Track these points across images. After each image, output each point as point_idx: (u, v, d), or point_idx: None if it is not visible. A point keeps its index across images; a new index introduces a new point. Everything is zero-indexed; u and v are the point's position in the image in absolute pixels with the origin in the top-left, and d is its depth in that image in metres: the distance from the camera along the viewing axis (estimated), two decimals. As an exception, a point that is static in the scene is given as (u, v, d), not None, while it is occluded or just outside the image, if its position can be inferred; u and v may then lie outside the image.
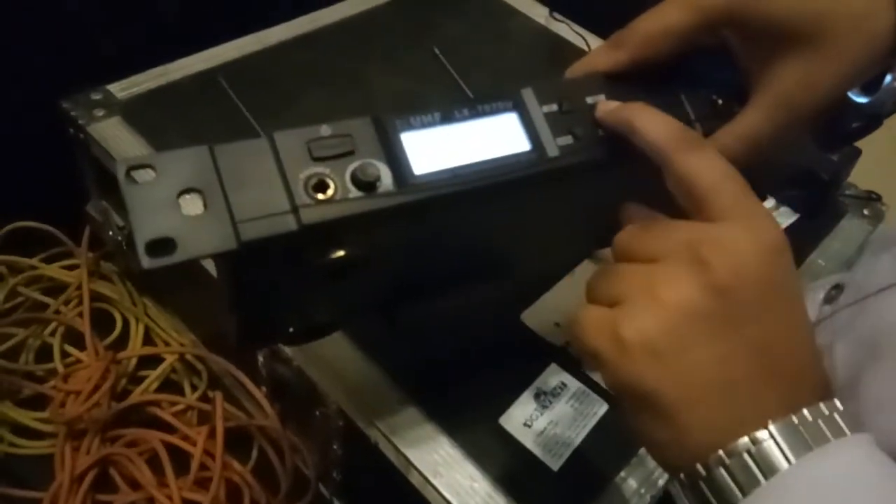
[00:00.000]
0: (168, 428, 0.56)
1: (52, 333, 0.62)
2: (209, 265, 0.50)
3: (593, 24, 0.73)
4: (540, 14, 0.75)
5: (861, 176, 0.65)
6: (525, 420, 0.45)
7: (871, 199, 0.65)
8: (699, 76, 0.37)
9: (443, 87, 0.63)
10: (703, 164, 0.29)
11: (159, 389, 0.60)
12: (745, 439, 0.26)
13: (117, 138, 0.57)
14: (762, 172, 0.36)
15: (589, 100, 0.35)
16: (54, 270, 0.65)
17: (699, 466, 0.27)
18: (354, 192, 0.30)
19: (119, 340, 0.63)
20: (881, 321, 0.38)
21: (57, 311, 0.63)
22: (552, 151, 0.33)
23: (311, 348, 0.47)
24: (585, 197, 0.37)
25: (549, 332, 0.50)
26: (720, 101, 0.37)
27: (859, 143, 0.58)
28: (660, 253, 0.29)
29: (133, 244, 0.26)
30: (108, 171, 0.58)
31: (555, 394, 0.46)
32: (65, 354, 0.61)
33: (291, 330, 0.39)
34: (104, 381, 0.57)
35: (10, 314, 0.62)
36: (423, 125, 0.32)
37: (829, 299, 0.45)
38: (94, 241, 0.65)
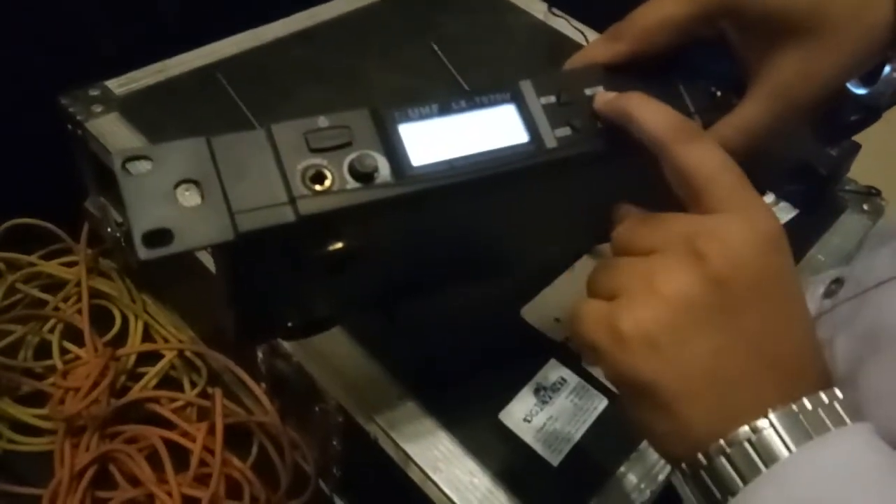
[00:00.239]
0: (167, 424, 0.56)
1: (51, 330, 0.62)
2: (208, 261, 0.50)
3: (592, 19, 0.72)
4: (538, 9, 0.75)
5: (860, 171, 0.65)
6: (525, 415, 0.45)
7: (871, 194, 0.65)
8: (698, 68, 0.37)
9: (441, 83, 0.63)
10: (701, 154, 0.29)
11: (158, 386, 0.60)
12: (746, 428, 0.27)
13: (115, 134, 0.57)
14: (761, 165, 0.36)
15: (587, 91, 0.35)
16: (53, 267, 0.65)
17: (700, 456, 0.27)
18: (352, 184, 0.30)
19: (118, 337, 0.63)
20: (881, 315, 0.38)
21: (56, 308, 0.63)
22: (550, 143, 0.33)
23: (310, 344, 0.47)
24: (584, 190, 0.37)
25: (548, 328, 0.50)
26: (719, 93, 0.37)
27: (858, 139, 0.58)
28: (657, 245, 0.29)
29: (130, 236, 0.26)
30: (106, 168, 0.58)
31: (554, 389, 0.46)
32: (64, 351, 0.61)
33: (290, 324, 0.39)
34: (103, 378, 0.57)
35: (8, 311, 0.62)
36: (421, 117, 0.32)
37: (828, 293, 0.45)
38: (92, 237, 0.65)
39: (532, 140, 0.33)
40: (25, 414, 0.57)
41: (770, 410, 0.26)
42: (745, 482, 0.26)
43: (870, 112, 0.38)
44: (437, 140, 0.31)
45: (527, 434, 0.44)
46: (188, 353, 0.62)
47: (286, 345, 0.48)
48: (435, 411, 0.44)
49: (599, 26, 0.71)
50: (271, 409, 0.54)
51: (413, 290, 0.41)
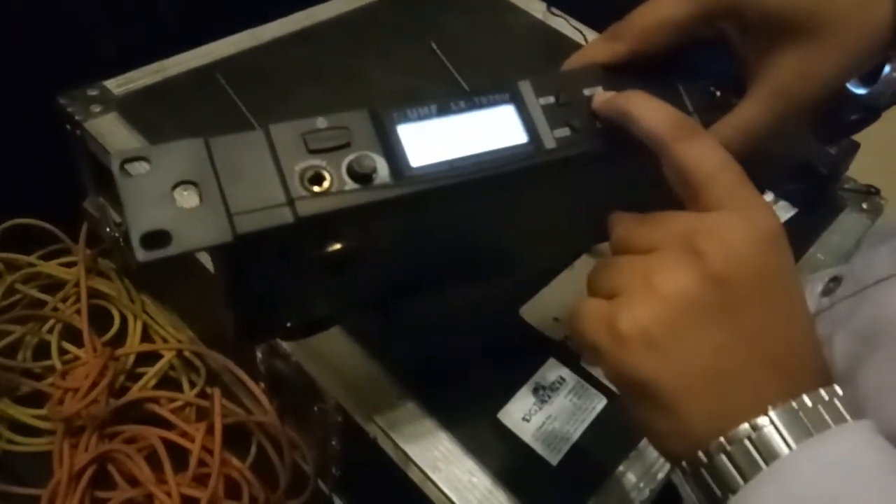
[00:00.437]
0: (166, 424, 0.56)
1: (50, 330, 0.62)
2: (207, 261, 0.50)
3: (591, 18, 0.72)
4: (537, 9, 0.75)
5: (860, 170, 0.65)
6: (524, 415, 0.45)
7: (870, 192, 0.65)
8: (697, 68, 0.37)
9: (440, 83, 0.63)
10: (701, 152, 0.29)
11: (157, 386, 0.60)
12: (746, 426, 0.27)
13: (114, 134, 0.56)
14: (760, 165, 0.35)
15: (586, 92, 0.35)
16: (52, 267, 0.65)
17: (700, 454, 0.27)
18: (350, 185, 0.29)
19: (117, 337, 0.63)
20: (879, 312, 0.38)
21: (55, 308, 0.63)
22: (549, 143, 0.33)
23: (309, 344, 0.47)
24: (583, 190, 0.37)
25: (547, 327, 0.50)
26: (718, 93, 0.37)
27: (858, 138, 0.58)
28: (656, 244, 0.29)
29: (129, 239, 0.26)
30: (104, 168, 0.58)
31: (553, 388, 0.46)
32: (63, 351, 0.61)
33: (289, 325, 0.39)
34: (102, 378, 0.57)
35: (7, 311, 0.62)
36: (420, 117, 0.32)
37: (827, 291, 0.45)
38: (91, 238, 0.65)
39: (531, 140, 0.33)
40: (24, 414, 0.57)
41: (770, 408, 0.26)
42: (745, 480, 0.26)
43: (869, 112, 0.38)
44: (435, 141, 0.31)
45: (526, 433, 0.44)
46: (187, 353, 0.62)
47: (285, 345, 0.48)
48: (434, 411, 0.44)
49: (598, 26, 0.71)
50: (270, 409, 0.54)
51: (412, 290, 0.41)
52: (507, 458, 0.43)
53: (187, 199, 0.27)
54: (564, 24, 0.73)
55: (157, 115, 0.58)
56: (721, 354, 0.27)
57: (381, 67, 0.64)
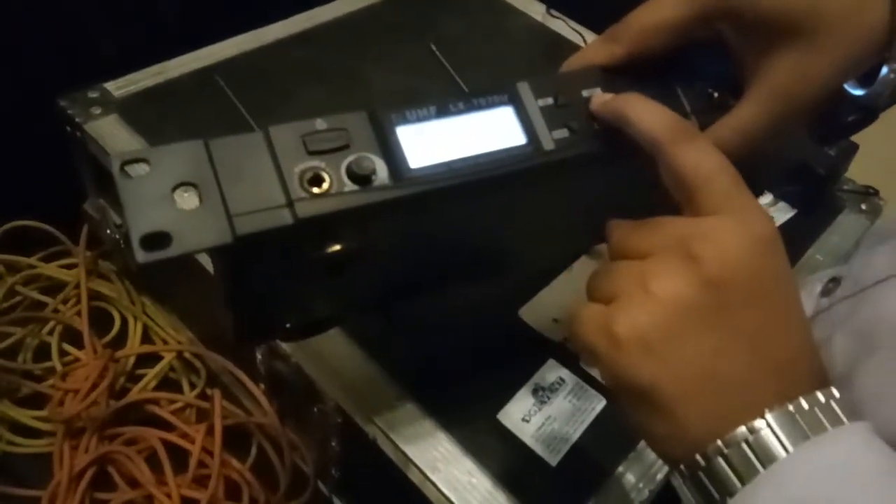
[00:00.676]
0: (166, 426, 0.56)
1: (51, 332, 0.62)
2: (206, 262, 0.50)
3: (590, 20, 0.73)
4: (537, 10, 0.75)
5: (858, 171, 0.65)
6: (523, 415, 0.45)
7: (869, 193, 0.65)
8: (695, 69, 0.37)
9: (440, 84, 0.63)
10: (697, 156, 0.30)
11: (158, 387, 0.60)
12: (743, 429, 0.27)
13: (114, 136, 0.57)
14: (758, 166, 0.36)
15: (584, 93, 0.35)
16: (52, 269, 0.65)
17: (698, 457, 0.27)
18: (350, 186, 0.30)
19: (117, 339, 0.63)
20: (878, 313, 0.38)
21: (55, 310, 0.63)
22: (548, 145, 0.33)
23: (309, 345, 0.47)
24: (582, 191, 0.37)
25: (546, 328, 0.50)
26: (716, 95, 0.37)
27: (856, 139, 0.58)
28: (652, 249, 0.29)
29: (129, 240, 0.26)
30: (105, 170, 0.58)
31: (553, 389, 0.46)
32: (63, 353, 0.61)
33: (289, 326, 0.39)
34: (102, 380, 0.57)
35: (8, 313, 0.62)
36: (419, 119, 0.32)
37: (826, 292, 0.45)
38: (92, 239, 0.65)
39: (530, 142, 0.33)
40: (25, 416, 0.57)
41: (767, 411, 0.27)
42: (743, 483, 0.26)
43: (867, 113, 0.38)
44: (434, 142, 0.32)
45: (525, 434, 0.44)
46: (187, 355, 0.62)
47: (285, 346, 0.48)
48: (433, 412, 0.44)
49: (597, 27, 0.71)
50: (270, 411, 0.54)
51: (411, 290, 0.41)
52: (506, 459, 0.43)
53: (187, 200, 0.27)
54: (563, 26, 0.73)
55: (157, 117, 0.58)
56: (718, 358, 0.27)
57: (381, 69, 0.65)
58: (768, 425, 0.26)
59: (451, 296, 0.41)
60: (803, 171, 0.61)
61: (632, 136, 0.31)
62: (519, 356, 0.48)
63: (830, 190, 0.64)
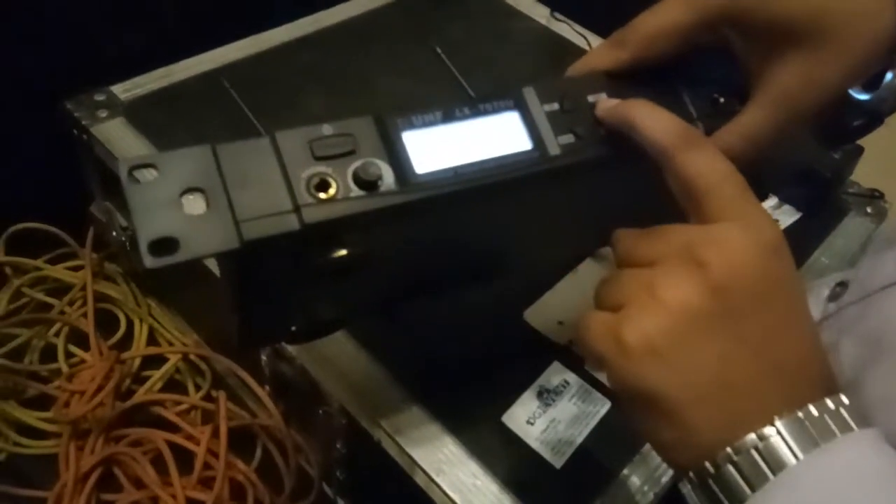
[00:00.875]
0: (172, 427, 0.56)
1: (57, 334, 0.62)
2: (213, 265, 0.51)
3: (594, 24, 0.73)
4: (541, 14, 0.75)
5: (864, 174, 0.65)
6: (528, 418, 0.45)
7: (874, 197, 0.65)
8: (700, 74, 0.37)
9: (445, 88, 0.63)
10: (704, 163, 0.30)
11: (163, 389, 0.60)
12: (752, 436, 0.27)
13: (120, 139, 0.57)
14: (764, 170, 0.36)
15: (590, 98, 0.35)
16: (59, 271, 0.66)
17: (708, 464, 0.27)
18: (356, 192, 0.30)
19: (123, 340, 0.63)
20: (885, 319, 0.38)
21: (61, 312, 0.63)
22: (553, 150, 0.33)
23: (314, 347, 0.47)
24: (587, 195, 0.37)
25: (551, 331, 0.50)
26: (722, 100, 0.37)
27: (861, 142, 0.58)
28: (659, 256, 0.29)
29: (136, 242, 0.26)
30: (111, 172, 0.58)
31: (557, 392, 0.47)
32: (69, 355, 0.62)
33: (294, 329, 0.39)
34: (108, 381, 0.57)
35: (14, 315, 0.63)
36: (425, 124, 0.32)
37: (833, 297, 0.45)
38: (98, 242, 0.65)
39: (535, 147, 0.33)
40: (31, 417, 0.57)
41: (776, 417, 0.27)
42: (753, 490, 0.26)
43: (872, 117, 0.38)
44: (440, 147, 0.32)
45: (530, 437, 0.44)
46: (192, 357, 0.62)
47: (290, 348, 0.48)
48: (438, 414, 0.45)
49: (602, 31, 0.71)
50: (275, 413, 0.54)
51: (416, 294, 0.41)
52: (511, 462, 0.43)
53: (194, 205, 0.27)
54: (568, 30, 0.73)
55: (163, 120, 0.58)
56: (726, 364, 0.27)
57: (387, 73, 0.65)
58: (778, 432, 0.26)
59: (455, 298, 0.41)
60: (808, 174, 0.61)
61: (638, 142, 0.31)
62: (523, 359, 0.48)
63: (835, 193, 0.64)
